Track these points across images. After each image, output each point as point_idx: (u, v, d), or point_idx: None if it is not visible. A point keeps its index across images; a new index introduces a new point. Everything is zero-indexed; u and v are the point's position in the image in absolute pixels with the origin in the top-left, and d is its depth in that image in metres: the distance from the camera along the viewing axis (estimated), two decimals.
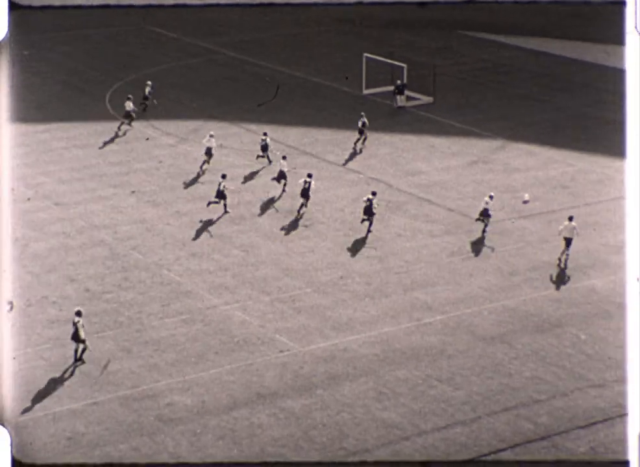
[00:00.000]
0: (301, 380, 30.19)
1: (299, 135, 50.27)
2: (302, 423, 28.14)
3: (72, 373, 30.24)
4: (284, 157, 44.00)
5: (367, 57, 56.63)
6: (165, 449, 27.11)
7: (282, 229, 40.46)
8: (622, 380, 29.96)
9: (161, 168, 46.82)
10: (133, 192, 44.09)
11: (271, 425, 28.07)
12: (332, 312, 34.05)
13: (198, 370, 30.63)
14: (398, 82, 54.35)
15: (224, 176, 41.70)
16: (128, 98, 51.19)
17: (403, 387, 29.72)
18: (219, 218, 41.00)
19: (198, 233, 39.93)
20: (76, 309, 31.16)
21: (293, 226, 40.66)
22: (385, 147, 48.93)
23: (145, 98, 53.03)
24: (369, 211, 39.54)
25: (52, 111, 53.70)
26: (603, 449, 26.87)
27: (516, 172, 46.07)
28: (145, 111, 52.63)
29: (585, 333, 32.58)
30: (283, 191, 43.34)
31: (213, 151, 46.19)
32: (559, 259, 37.14)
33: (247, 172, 46.27)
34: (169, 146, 49.54)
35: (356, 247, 38.80)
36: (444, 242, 39.17)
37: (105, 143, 49.46)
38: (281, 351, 31.66)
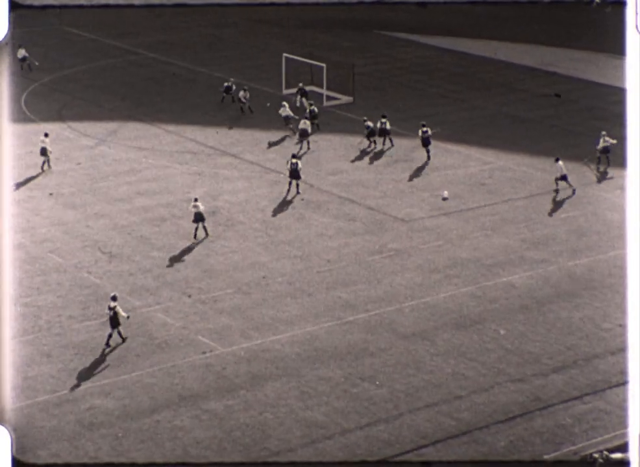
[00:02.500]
0: (223, 381, 30.10)
1: (219, 135, 50.07)
2: (224, 425, 28.06)
3: None
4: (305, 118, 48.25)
5: (286, 57, 56.64)
6: (86, 453, 26.81)
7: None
8: (540, 374, 30.44)
9: (80, 170, 46.31)
10: (51, 194, 43.54)
11: (194, 427, 27.93)
12: (254, 312, 34.01)
13: (119, 373, 30.35)
14: (300, 84, 54.10)
15: (294, 156, 43.56)
16: (230, 86, 54.19)
17: (325, 386, 29.80)
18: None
19: (118, 235, 39.58)
20: (112, 294, 32.25)
21: (214, 226, 40.50)
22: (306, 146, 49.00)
23: (227, 91, 54.67)
24: (426, 142, 46.85)
25: None
26: (522, 443, 27.24)
27: (435, 171, 46.49)
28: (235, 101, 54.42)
29: (505, 328, 33.01)
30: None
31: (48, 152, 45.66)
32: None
33: (166, 172, 46.02)
34: (87, 148, 49.01)
35: (278, 247, 38.80)
36: (366, 241, 39.36)
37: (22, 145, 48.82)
38: (203, 353, 31.53)
